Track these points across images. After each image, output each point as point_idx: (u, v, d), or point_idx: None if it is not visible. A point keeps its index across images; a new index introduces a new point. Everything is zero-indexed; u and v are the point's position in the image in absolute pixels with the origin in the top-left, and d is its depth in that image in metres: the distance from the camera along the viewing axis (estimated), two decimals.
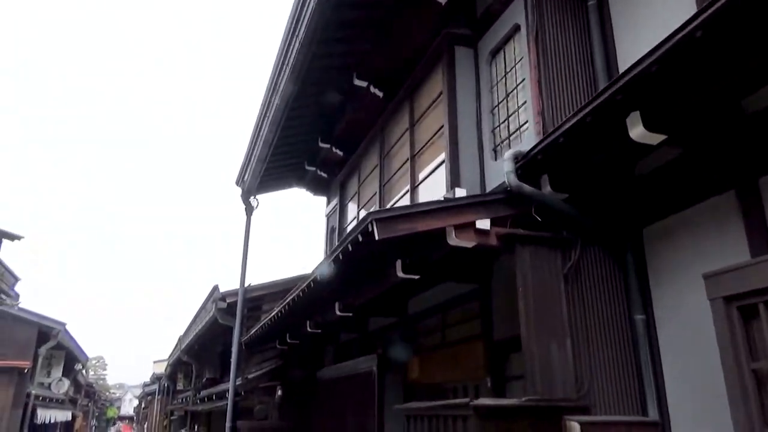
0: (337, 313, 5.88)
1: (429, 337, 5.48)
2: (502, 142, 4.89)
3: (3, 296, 12.93)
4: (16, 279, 10.82)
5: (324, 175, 10.30)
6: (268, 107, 7.70)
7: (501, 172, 4.49)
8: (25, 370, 16.10)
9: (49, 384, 21.77)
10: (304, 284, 5.56)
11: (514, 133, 4.70)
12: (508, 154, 3.81)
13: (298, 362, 9.19)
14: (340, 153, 9.20)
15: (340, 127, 8.52)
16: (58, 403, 22.85)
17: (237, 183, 10.71)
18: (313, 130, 8.98)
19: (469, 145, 5.09)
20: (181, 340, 18.07)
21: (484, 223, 3.68)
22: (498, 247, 3.75)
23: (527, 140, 4.28)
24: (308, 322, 7.08)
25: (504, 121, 4.88)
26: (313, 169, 10.22)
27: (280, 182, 10.93)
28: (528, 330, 3.45)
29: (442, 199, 4.43)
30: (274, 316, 7.25)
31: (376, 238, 3.39)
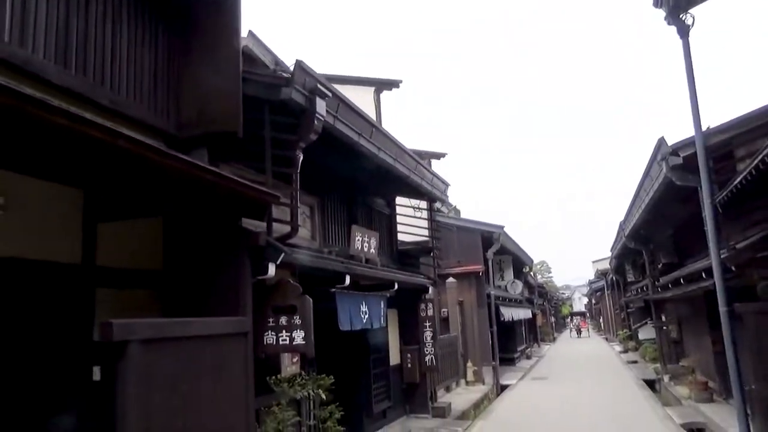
0: None
1: None
2: None
3: (442, 205, 13.50)
4: (446, 185, 10.80)
5: None
6: None
7: None
8: (479, 274, 17.12)
9: (505, 286, 23.25)
10: None
11: None
12: None
13: None
14: None
15: None
16: (516, 302, 24.30)
17: (656, 4, 7.99)
18: None
19: None
20: (622, 226, 16.24)
21: None
22: None
23: None
24: None
25: None
26: None
27: None
28: None
29: None
30: None
31: None
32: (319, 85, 5.89)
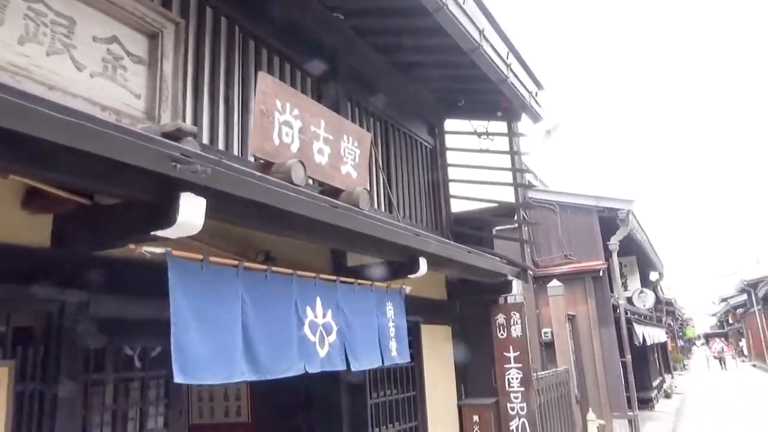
0: None
1: None
2: None
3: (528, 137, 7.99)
4: (538, 84, 5.43)
5: None
6: None
7: None
8: (600, 273, 11.19)
9: (629, 297, 16.97)
10: None
11: None
12: None
13: None
14: None
15: None
16: (647, 320, 17.90)
17: None
18: None
19: None
20: None
21: None
22: None
23: None
24: None
25: None
26: None
27: None
28: None
29: None
30: None
31: None
32: None
